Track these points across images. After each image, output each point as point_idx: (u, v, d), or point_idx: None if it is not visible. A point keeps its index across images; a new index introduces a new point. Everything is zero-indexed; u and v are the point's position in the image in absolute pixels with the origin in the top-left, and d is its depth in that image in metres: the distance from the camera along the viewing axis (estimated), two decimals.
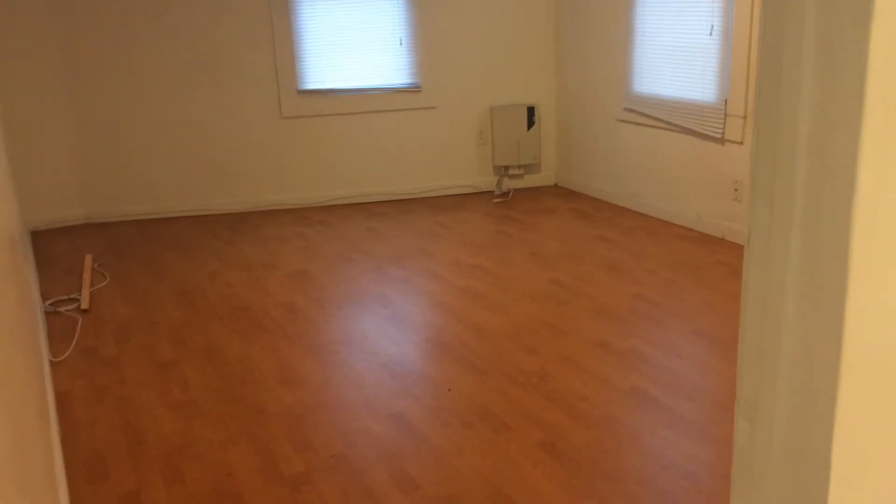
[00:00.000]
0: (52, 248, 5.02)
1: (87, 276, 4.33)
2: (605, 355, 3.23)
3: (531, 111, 5.81)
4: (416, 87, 5.74)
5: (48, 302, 4.00)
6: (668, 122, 4.83)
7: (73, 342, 3.55)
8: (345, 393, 3.00)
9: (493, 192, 5.97)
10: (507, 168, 5.99)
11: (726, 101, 4.34)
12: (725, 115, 4.37)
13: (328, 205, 5.82)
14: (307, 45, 5.52)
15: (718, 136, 4.44)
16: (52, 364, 3.32)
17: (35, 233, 5.37)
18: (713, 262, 4.26)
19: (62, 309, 3.93)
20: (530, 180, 6.09)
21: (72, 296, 4.09)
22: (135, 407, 2.97)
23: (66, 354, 3.43)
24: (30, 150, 5.30)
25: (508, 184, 6.04)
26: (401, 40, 5.62)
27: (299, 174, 5.74)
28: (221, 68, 5.45)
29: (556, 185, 6.14)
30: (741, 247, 4.44)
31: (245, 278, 4.32)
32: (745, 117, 4.27)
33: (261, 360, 3.33)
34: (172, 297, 4.08)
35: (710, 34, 4.37)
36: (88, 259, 4.66)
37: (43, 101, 5.26)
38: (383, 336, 3.50)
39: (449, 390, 2.99)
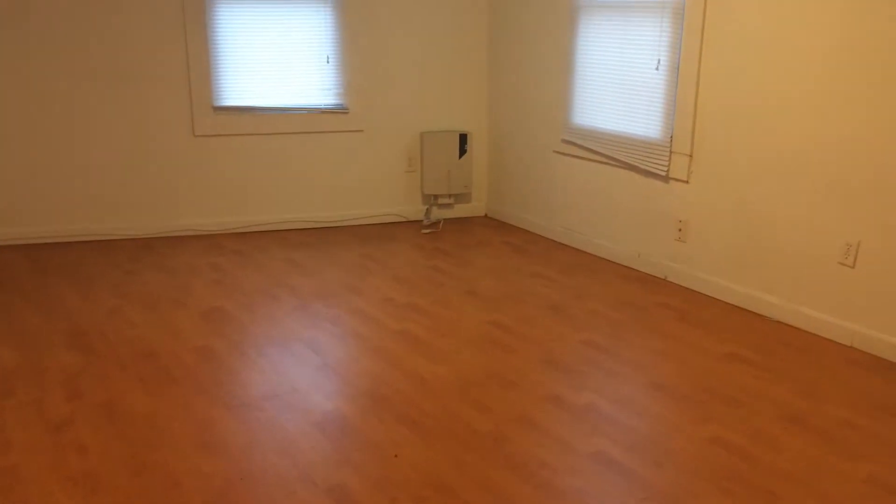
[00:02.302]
0: None
1: None
2: (561, 412, 2.97)
3: (463, 138, 5.56)
4: (342, 109, 5.39)
5: None
6: (609, 157, 4.68)
7: None
8: (274, 461, 2.61)
9: (421, 221, 5.68)
10: (436, 197, 5.71)
11: (671, 137, 4.22)
12: (671, 152, 4.24)
13: (244, 231, 5.36)
14: (224, 57, 5.08)
15: (663, 173, 4.30)
16: None
17: None
18: (657, 304, 4.10)
19: None
20: (460, 210, 5.83)
21: None
22: (21, 481, 2.47)
23: None
24: None
25: (438, 213, 5.76)
26: (328, 58, 5.26)
27: (212, 198, 5.26)
28: (127, 78, 4.93)
29: (486, 215, 5.91)
30: (685, 289, 4.31)
31: (151, 317, 3.84)
32: (690, 155, 4.14)
33: (172, 417, 2.89)
34: (65, 339, 3.56)
35: (657, 69, 4.24)
36: None
37: None
38: (315, 389, 3.12)
39: (395, 456, 2.65)
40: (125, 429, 2.80)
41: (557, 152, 5.10)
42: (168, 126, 5.07)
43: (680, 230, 4.29)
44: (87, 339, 3.56)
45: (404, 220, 5.70)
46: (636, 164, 4.47)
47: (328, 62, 5.27)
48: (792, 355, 3.51)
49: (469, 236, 5.37)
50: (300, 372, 3.27)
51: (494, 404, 3.02)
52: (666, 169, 4.28)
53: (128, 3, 4.83)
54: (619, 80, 4.51)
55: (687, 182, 4.20)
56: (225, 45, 5.06)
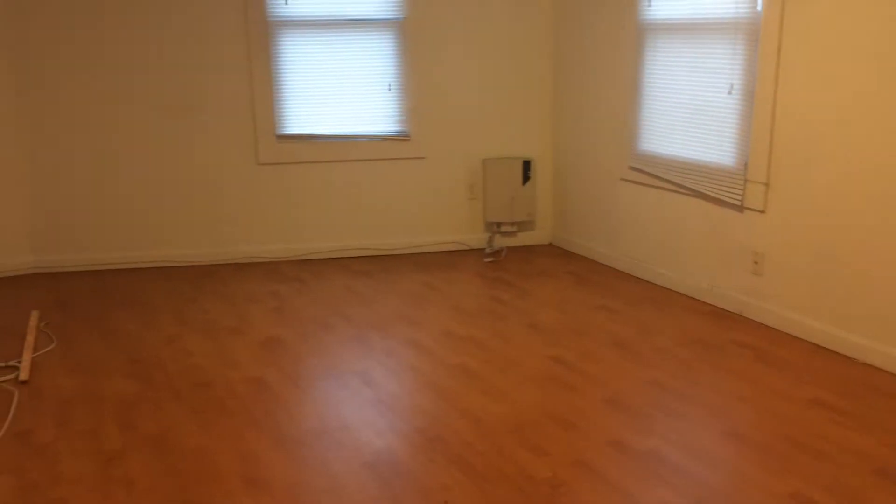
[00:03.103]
0: None
1: (30, 339, 3.81)
2: (623, 458, 2.79)
3: (527, 165, 5.44)
4: (404, 136, 5.35)
5: None
6: (679, 185, 4.47)
7: (6, 424, 3.02)
8: (320, 502, 2.52)
9: (483, 249, 5.56)
10: (499, 225, 5.59)
11: (746, 165, 3.99)
12: (745, 180, 4.01)
13: (305, 259, 5.36)
14: (288, 86, 5.11)
15: (737, 202, 4.08)
16: None
17: None
18: (731, 341, 3.87)
19: None
20: (524, 238, 5.70)
21: (11, 363, 3.57)
22: None
23: None
24: None
25: (500, 241, 5.64)
26: (390, 85, 5.24)
27: (274, 225, 5.28)
28: (192, 108, 5.01)
29: (550, 244, 5.75)
30: (762, 325, 4.06)
31: (208, 346, 3.83)
32: (767, 184, 3.91)
33: (221, 451, 2.83)
34: (124, 367, 3.57)
35: (730, 93, 4.04)
36: (34, 317, 4.14)
37: None
38: (366, 425, 3.03)
39: (445, 502, 2.52)
40: (175, 462, 2.76)
41: (625, 179, 4.92)
42: (232, 154, 5.12)
43: (756, 263, 4.05)
44: (145, 368, 3.57)
45: (466, 248, 5.60)
46: (708, 192, 4.26)
47: (390, 89, 5.25)
48: (881, 402, 3.23)
49: (532, 265, 5.23)
50: (352, 406, 3.18)
51: (552, 447, 2.86)
52: (740, 198, 4.05)
53: (193, 33, 4.92)
54: (689, 104, 4.32)
55: (763, 212, 3.96)
56: (288, 74, 5.09)
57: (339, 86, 5.17)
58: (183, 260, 5.18)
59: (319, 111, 5.19)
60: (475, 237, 5.61)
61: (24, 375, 3.40)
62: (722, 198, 4.17)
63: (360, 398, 3.26)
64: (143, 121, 4.96)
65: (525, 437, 2.94)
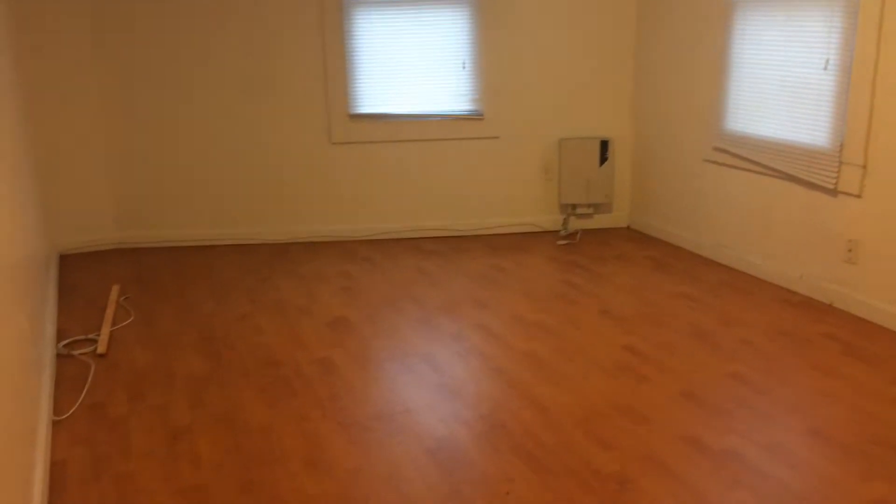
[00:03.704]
0: (79, 274, 4.66)
1: (109, 312, 3.93)
2: (697, 457, 2.65)
3: (604, 145, 5.26)
4: (478, 115, 5.25)
5: (62, 343, 3.59)
6: (767, 167, 4.22)
7: (81, 396, 3.12)
8: (379, 489, 2.49)
9: (557, 232, 5.42)
10: (574, 206, 5.43)
11: (842, 146, 3.73)
12: (840, 162, 3.75)
13: (376, 239, 5.35)
14: (361, 65, 5.08)
15: (831, 186, 3.81)
16: (53, 424, 2.89)
17: (65, 256, 5.02)
18: (821, 334, 3.63)
19: (76, 352, 3.52)
20: (600, 221, 5.52)
21: (90, 335, 3.68)
22: (136, 490, 2.50)
23: (71, 412, 3.00)
24: (63, 169, 4.97)
25: (575, 224, 5.48)
26: (464, 63, 5.14)
27: (347, 204, 5.29)
28: (267, 87, 5.04)
29: (628, 227, 5.56)
30: (854, 317, 3.80)
31: (278, 324, 3.86)
32: (864, 166, 3.64)
33: (285, 432, 2.84)
34: (196, 344, 3.63)
35: (825, 69, 3.76)
36: (114, 291, 4.26)
37: (79, 119, 4.92)
38: (430, 411, 2.98)
39: (507, 493, 2.45)
40: (240, 440, 2.78)
41: (708, 161, 4.68)
42: (306, 134, 5.13)
43: (850, 251, 3.79)
44: (216, 345, 3.62)
45: (540, 230, 5.47)
46: (799, 175, 4.00)
47: (464, 68, 5.14)
48: None
49: (608, 249, 5.06)
50: (416, 391, 3.14)
51: (621, 441, 2.75)
52: (834, 181, 3.79)
53: (268, 13, 4.94)
54: (781, 81, 4.05)
55: (859, 196, 3.69)
56: (361, 53, 5.05)
57: (412, 64, 5.10)
58: (257, 238, 5.25)
59: (393, 90, 5.14)
60: (549, 219, 5.47)
61: (101, 349, 3.50)
62: (814, 181, 3.91)
63: (425, 382, 3.21)
64: (218, 102, 5.03)
65: (593, 429, 2.83)
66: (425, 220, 5.37)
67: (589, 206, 5.44)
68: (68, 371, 3.35)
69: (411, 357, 3.46)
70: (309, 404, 3.05)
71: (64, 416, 2.96)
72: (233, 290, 4.36)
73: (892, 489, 2.44)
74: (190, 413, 2.99)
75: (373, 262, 4.84)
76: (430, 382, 3.21)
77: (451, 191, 5.34)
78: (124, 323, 3.89)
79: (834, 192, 3.83)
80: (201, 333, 3.76)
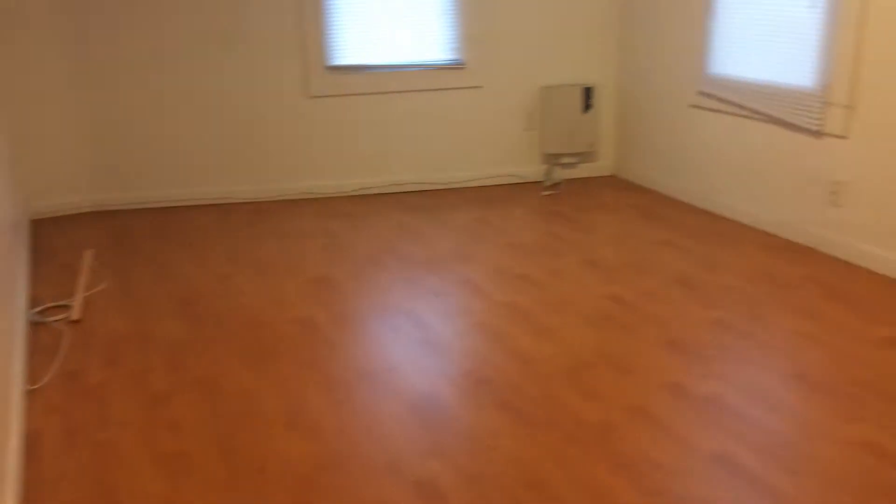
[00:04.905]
0: (53, 238, 4.57)
1: (83, 278, 3.86)
2: (681, 404, 2.63)
3: (588, 92, 5.16)
4: (459, 64, 5.12)
5: (35, 310, 3.53)
6: (752, 110, 4.15)
7: (56, 365, 3.07)
8: (364, 447, 2.47)
9: (541, 182, 5.36)
10: (558, 156, 5.35)
11: (827, 86, 3.65)
12: (825, 103, 3.68)
13: (358, 194, 5.27)
14: (338, 14, 4.93)
15: (815, 128, 3.75)
16: (27, 393, 2.84)
17: (38, 221, 4.92)
18: (804, 277, 3.61)
19: (50, 319, 3.46)
20: (584, 170, 5.46)
21: (63, 302, 3.62)
22: (114, 458, 2.47)
23: (45, 381, 2.95)
24: (34, 130, 4.83)
25: (559, 174, 5.42)
26: (443, 11, 4.99)
27: (327, 160, 5.19)
28: (240, 39, 4.89)
29: (613, 176, 5.50)
30: (838, 260, 3.78)
31: (259, 284, 3.81)
32: (850, 107, 3.57)
33: (268, 395, 2.81)
34: (175, 307, 3.58)
35: (810, 6, 3.66)
36: (88, 255, 4.18)
37: (49, 79, 4.77)
38: (413, 367, 2.95)
39: (492, 448, 2.43)
40: (221, 405, 2.75)
41: (693, 106, 4.60)
42: (282, 87, 5.01)
43: (834, 193, 3.75)
44: (196, 308, 3.56)
45: (523, 181, 5.41)
46: (784, 117, 3.93)
47: (443, 15, 5.00)
48: None
49: (592, 198, 5.01)
50: (400, 348, 3.11)
51: (606, 391, 2.73)
52: (819, 123, 3.73)
53: None
54: (766, 21, 3.96)
55: (845, 138, 3.63)
56: (338, 2, 4.90)
57: (391, 13, 4.96)
58: (236, 196, 5.16)
59: (372, 40, 5.00)
60: (533, 169, 5.40)
61: (75, 315, 3.44)
62: (799, 123, 3.85)
63: (409, 339, 3.18)
64: (189, 56, 4.88)
65: (577, 380, 2.81)
66: (407, 174, 5.29)
67: (573, 155, 5.37)
68: (42, 339, 3.29)
69: (395, 314, 3.42)
70: (291, 365, 3.01)
71: (38, 386, 2.91)
72: (212, 251, 4.29)
73: (873, 430, 2.44)
74: (169, 378, 2.95)
75: (354, 218, 4.78)
76: (413, 339, 3.18)
77: (433, 143, 5.25)
78: (99, 287, 3.82)
79: (819, 135, 3.77)
80: (180, 296, 3.70)
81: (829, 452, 2.35)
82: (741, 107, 4.22)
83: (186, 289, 3.78)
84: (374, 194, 5.27)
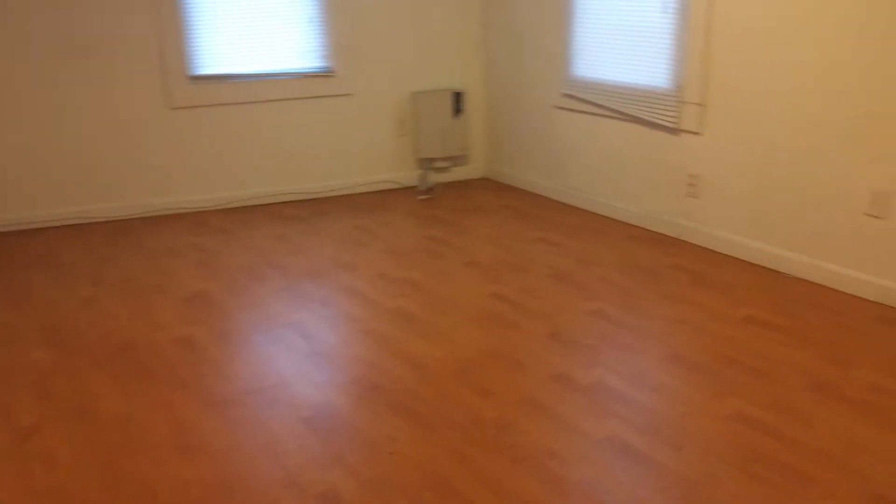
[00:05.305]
0: None
1: None
2: (569, 393, 2.73)
3: (458, 97, 5.25)
4: (328, 72, 5.08)
5: None
6: (613, 110, 4.37)
7: None
8: (258, 464, 2.39)
9: (416, 187, 5.40)
10: (431, 161, 5.42)
11: (681, 86, 3.91)
12: (680, 102, 3.93)
13: (229, 207, 5.10)
14: (199, 22, 4.76)
15: (672, 125, 4.00)
16: None
17: None
18: (670, 266, 3.84)
19: None
20: (458, 173, 5.55)
21: None
22: None
23: None
24: None
25: (434, 178, 5.48)
26: (310, 19, 4.93)
27: (194, 173, 4.99)
28: (93, 50, 4.62)
29: (485, 178, 5.62)
30: (698, 248, 4.05)
31: (129, 305, 3.61)
32: (703, 105, 3.84)
33: (150, 419, 2.66)
34: (37, 334, 3.33)
35: (663, 12, 3.91)
36: None
37: None
38: (303, 380, 2.89)
39: (390, 453, 2.42)
40: (98, 434, 2.58)
41: (559, 107, 4.79)
42: (141, 99, 4.77)
43: (692, 185, 4.01)
44: (60, 334, 3.33)
45: (399, 186, 5.43)
46: (643, 116, 4.17)
47: (311, 23, 4.94)
48: (816, 316, 3.26)
49: (468, 201, 5.10)
50: (287, 361, 3.04)
51: (497, 387, 2.79)
52: (675, 121, 3.98)
53: None
54: (623, 26, 4.18)
55: (699, 134, 3.90)
56: (199, 9, 4.73)
57: (256, 21, 4.84)
58: (97, 215, 4.87)
59: (236, 49, 4.86)
60: (408, 175, 5.43)
61: None
62: (657, 121, 4.09)
63: (296, 351, 3.11)
64: (41, 67, 4.56)
65: (469, 379, 2.85)
66: (281, 185, 5.18)
67: (446, 159, 5.45)
68: None
69: (279, 327, 3.34)
70: (172, 387, 2.87)
71: None
72: (74, 274, 4.03)
73: (743, 402, 2.63)
74: (37, 409, 2.73)
75: (228, 233, 4.62)
76: (300, 351, 3.12)
77: (305, 152, 5.17)
78: None
79: (675, 131, 4.03)
80: (42, 323, 3.44)
81: (707, 426, 2.51)
82: (603, 107, 4.43)
83: (49, 315, 3.52)
84: (248, 206, 5.12)
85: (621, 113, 4.32)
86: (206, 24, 4.77)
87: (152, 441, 2.53)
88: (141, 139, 4.83)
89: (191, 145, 4.93)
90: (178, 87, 4.80)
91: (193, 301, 3.63)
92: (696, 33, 3.76)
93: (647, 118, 4.14)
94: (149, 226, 4.79)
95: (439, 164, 5.45)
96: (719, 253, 3.98)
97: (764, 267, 3.77)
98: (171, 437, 2.55)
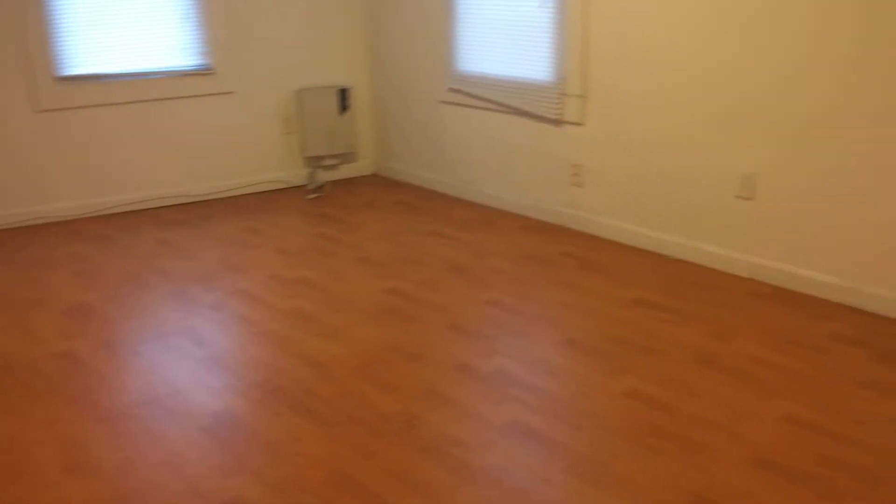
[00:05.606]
0: None
1: None
2: (470, 382, 2.78)
3: (343, 93, 5.21)
4: (207, 69, 4.92)
5: None
6: (498, 103, 4.46)
7: None
8: (157, 477, 2.30)
9: (305, 186, 5.32)
10: (320, 159, 5.35)
11: (562, 79, 4.03)
12: (562, 94, 4.06)
13: (108, 214, 4.86)
14: (66, 18, 4.49)
15: (555, 117, 4.13)
16: None
17: None
18: (559, 253, 3.97)
19: None
20: (347, 171, 5.51)
21: None
22: None
23: None
24: None
25: (323, 176, 5.42)
26: (185, 15, 4.76)
27: (67, 179, 4.72)
28: None
29: (375, 174, 5.61)
30: (584, 235, 4.20)
31: (2, 321, 3.38)
32: (583, 97, 3.98)
33: (35, 440, 2.51)
34: None
35: (540, 6, 4.02)
36: None
37: None
38: (199, 387, 2.80)
39: (295, 455, 2.39)
40: None
41: (445, 102, 4.84)
42: (5, 103, 4.46)
43: (575, 175, 4.15)
44: None
45: (287, 186, 5.33)
46: (527, 108, 4.28)
47: (187, 18, 4.77)
48: (696, 294, 3.46)
49: (358, 198, 5.07)
50: (181, 369, 2.93)
51: (399, 381, 2.80)
52: (558, 112, 4.11)
53: None
54: (504, 21, 4.27)
55: (581, 125, 4.04)
56: (66, 5, 4.47)
57: (127, 18, 4.62)
58: None
59: (107, 47, 4.62)
60: (295, 174, 5.35)
61: None
62: (541, 113, 4.21)
63: (189, 359, 3.01)
64: None
65: (370, 374, 2.85)
66: (162, 188, 4.98)
67: (334, 156, 5.39)
68: None
69: (169, 334, 3.22)
70: (57, 404, 2.71)
71: None
72: None
73: (636, 380, 2.76)
74: None
75: (108, 240, 4.40)
76: (194, 358, 3.02)
77: (187, 154, 4.99)
78: None
79: (558, 123, 4.16)
80: None
81: (604, 404, 2.61)
82: (488, 101, 4.52)
83: None
84: (128, 212, 4.89)
85: (506, 106, 4.42)
86: (75, 22, 4.51)
87: (40, 463, 2.38)
88: (7, 145, 4.52)
89: (62, 150, 4.66)
90: (45, 88, 4.52)
91: (73, 313, 3.44)
92: (574, 27, 3.89)
93: (531, 111, 4.25)
94: (18, 237, 4.49)
95: (328, 162, 5.39)
96: (605, 239, 4.14)
97: (646, 250, 3.96)
98: (59, 457, 2.41)
